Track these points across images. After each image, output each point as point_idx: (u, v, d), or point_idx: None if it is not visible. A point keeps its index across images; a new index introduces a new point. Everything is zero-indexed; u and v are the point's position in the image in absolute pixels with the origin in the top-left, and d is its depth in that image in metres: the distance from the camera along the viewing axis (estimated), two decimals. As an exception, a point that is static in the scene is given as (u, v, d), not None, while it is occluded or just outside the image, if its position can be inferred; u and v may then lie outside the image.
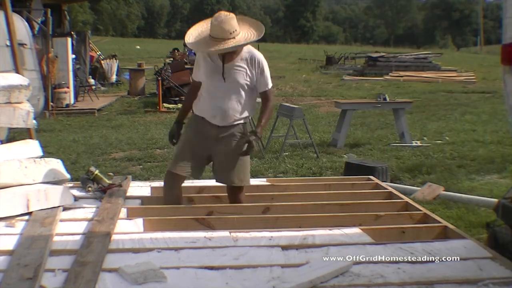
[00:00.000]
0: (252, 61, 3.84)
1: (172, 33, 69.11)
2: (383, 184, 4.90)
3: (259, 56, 3.89)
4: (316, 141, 8.71)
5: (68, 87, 14.11)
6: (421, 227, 3.53)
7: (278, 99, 15.82)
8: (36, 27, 13.24)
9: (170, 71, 15.04)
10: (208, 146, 3.95)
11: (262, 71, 3.87)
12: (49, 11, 13.45)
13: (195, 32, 3.84)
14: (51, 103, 13.10)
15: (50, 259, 2.73)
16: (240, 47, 3.77)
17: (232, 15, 3.74)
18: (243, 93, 3.86)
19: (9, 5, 5.42)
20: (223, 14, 3.74)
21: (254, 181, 5.22)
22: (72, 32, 16.65)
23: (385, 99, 9.25)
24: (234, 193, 4.01)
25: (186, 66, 15.97)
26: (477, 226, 4.65)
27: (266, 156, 7.98)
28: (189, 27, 3.91)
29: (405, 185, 6.34)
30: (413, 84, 20.81)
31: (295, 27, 72.92)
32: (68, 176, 3.84)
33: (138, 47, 37.68)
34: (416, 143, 8.96)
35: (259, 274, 2.60)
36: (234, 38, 3.69)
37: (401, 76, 22.41)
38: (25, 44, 9.31)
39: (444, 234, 3.39)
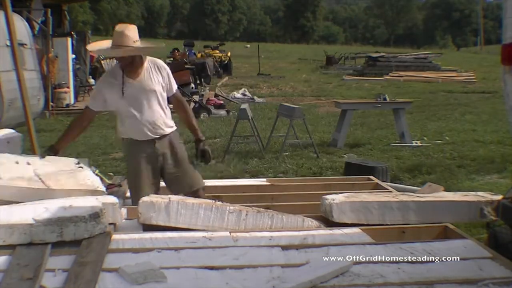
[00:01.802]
0: (156, 67, 3.95)
1: (172, 33, 68.98)
2: (383, 184, 4.90)
3: (160, 61, 4.03)
4: (316, 141, 8.70)
5: (68, 87, 14.11)
6: (421, 227, 3.52)
7: (278, 99, 15.85)
8: (36, 27, 13.23)
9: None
10: (158, 164, 3.99)
11: (169, 73, 3.99)
12: (49, 11, 13.44)
13: (96, 45, 4.16)
14: (51, 103, 13.10)
15: (50, 259, 2.73)
16: (144, 52, 3.89)
17: (134, 26, 3.90)
18: (160, 100, 3.95)
19: (9, 5, 5.39)
20: (126, 24, 3.92)
21: (254, 181, 5.24)
22: (72, 32, 16.63)
23: (385, 99, 9.25)
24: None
25: (186, 66, 15.97)
26: (477, 226, 4.64)
27: (266, 156, 7.98)
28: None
29: (405, 185, 6.34)
30: (413, 84, 20.81)
31: (295, 27, 72.82)
32: None
33: None
34: (416, 143, 8.96)
35: (259, 274, 2.60)
36: (136, 45, 3.82)
37: (401, 76, 22.41)
38: (25, 44, 9.31)
39: (444, 234, 3.39)
